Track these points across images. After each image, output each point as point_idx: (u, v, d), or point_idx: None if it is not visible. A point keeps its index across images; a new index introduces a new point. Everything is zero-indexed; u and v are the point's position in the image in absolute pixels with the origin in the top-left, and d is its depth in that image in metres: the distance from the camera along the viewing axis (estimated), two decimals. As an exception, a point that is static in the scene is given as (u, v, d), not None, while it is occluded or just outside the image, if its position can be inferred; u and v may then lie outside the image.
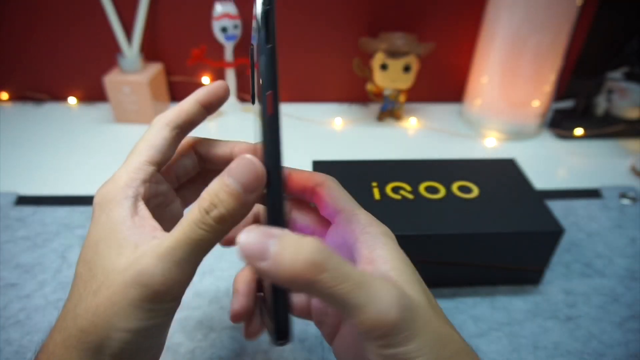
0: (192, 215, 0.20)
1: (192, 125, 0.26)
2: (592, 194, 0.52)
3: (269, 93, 0.19)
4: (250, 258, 0.17)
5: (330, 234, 0.25)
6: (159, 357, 0.23)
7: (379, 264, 0.21)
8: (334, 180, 0.25)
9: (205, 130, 0.70)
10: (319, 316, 0.26)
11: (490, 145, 0.63)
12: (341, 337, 0.24)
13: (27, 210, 0.47)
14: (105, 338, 0.19)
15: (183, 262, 0.19)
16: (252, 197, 0.20)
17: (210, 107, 0.26)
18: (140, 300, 0.19)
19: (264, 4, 0.19)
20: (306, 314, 0.26)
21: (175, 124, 0.25)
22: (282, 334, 0.20)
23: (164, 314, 0.20)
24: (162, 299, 0.20)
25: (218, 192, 0.19)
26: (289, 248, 0.17)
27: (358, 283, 0.18)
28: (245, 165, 0.19)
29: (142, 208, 0.22)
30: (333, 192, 0.24)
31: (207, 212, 0.19)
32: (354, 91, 0.71)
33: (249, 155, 0.20)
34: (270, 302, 0.21)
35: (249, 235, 0.17)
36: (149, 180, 0.23)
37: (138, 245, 0.20)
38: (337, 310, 0.21)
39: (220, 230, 0.20)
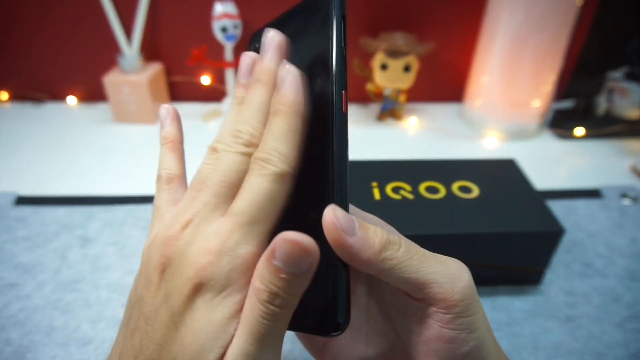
0: (254, 310, 0.17)
1: None
2: (593, 194, 0.52)
3: (344, 91, 0.20)
4: (340, 232, 0.18)
5: None
6: None
7: None
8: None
9: (205, 130, 0.70)
10: None
11: (490, 145, 0.63)
12: (330, 353, 0.24)
13: (27, 210, 0.47)
14: None
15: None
16: (307, 270, 0.17)
17: None
18: None
19: (342, 7, 0.20)
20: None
21: None
22: (346, 319, 0.19)
23: None
24: None
25: (271, 279, 0.17)
26: (369, 229, 0.19)
27: (425, 255, 0.20)
28: (289, 248, 0.16)
29: None
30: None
31: (271, 303, 0.17)
32: (354, 91, 0.71)
33: (290, 235, 0.16)
34: (333, 287, 0.19)
35: (337, 212, 0.18)
36: None
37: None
38: (407, 290, 0.20)
39: (288, 314, 0.18)
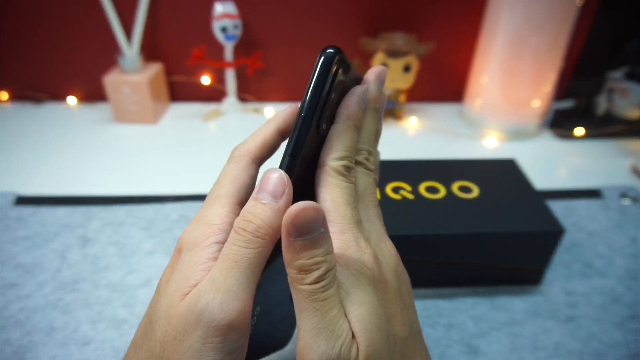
0: (230, 239, 0.20)
1: (271, 154, 0.25)
2: (593, 194, 0.52)
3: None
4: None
5: None
6: None
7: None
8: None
9: (205, 130, 0.70)
10: None
11: (490, 145, 0.63)
12: None
13: (27, 210, 0.47)
14: None
15: (236, 288, 0.19)
16: (283, 203, 0.20)
17: (286, 134, 0.25)
18: (204, 342, 0.18)
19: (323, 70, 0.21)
20: None
21: (261, 159, 0.25)
22: None
23: (229, 354, 0.19)
24: (225, 334, 0.19)
25: (250, 208, 0.20)
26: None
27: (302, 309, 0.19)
28: (268, 177, 0.20)
29: None
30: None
31: (244, 229, 0.19)
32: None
33: (270, 169, 0.20)
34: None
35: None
36: None
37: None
38: None
39: (262, 244, 0.19)
